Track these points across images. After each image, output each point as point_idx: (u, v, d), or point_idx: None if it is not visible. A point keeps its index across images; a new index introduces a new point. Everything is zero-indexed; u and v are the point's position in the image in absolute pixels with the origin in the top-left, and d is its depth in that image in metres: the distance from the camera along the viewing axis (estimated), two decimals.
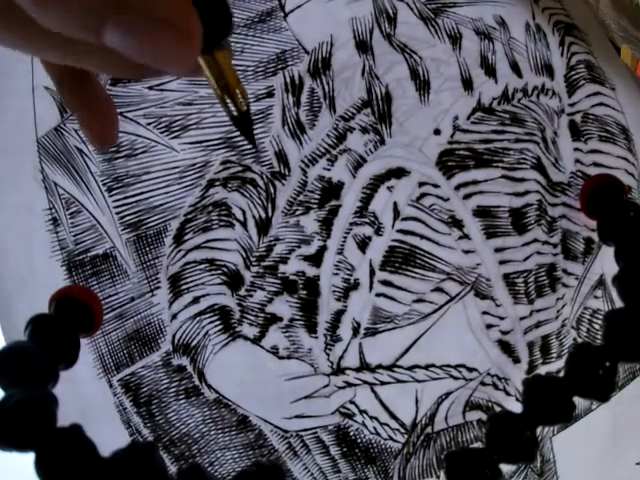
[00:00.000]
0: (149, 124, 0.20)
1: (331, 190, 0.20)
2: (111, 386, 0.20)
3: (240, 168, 0.20)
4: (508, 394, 0.22)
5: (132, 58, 0.09)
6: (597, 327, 0.23)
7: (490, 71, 0.22)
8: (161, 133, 0.20)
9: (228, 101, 0.11)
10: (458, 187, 0.21)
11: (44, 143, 0.20)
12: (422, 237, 0.20)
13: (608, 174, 0.24)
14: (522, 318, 0.21)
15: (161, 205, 0.20)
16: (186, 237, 0.20)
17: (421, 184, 0.20)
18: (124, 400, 0.20)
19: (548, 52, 0.23)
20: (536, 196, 0.22)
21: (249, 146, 0.20)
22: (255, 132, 0.20)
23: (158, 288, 0.20)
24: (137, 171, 0.20)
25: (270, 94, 0.20)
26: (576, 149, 0.23)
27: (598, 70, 0.23)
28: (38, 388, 0.15)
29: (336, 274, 0.20)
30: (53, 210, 0.20)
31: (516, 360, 0.22)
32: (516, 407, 0.22)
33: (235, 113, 0.11)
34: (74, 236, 0.20)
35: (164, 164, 0.20)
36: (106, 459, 0.14)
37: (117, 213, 0.20)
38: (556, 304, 0.22)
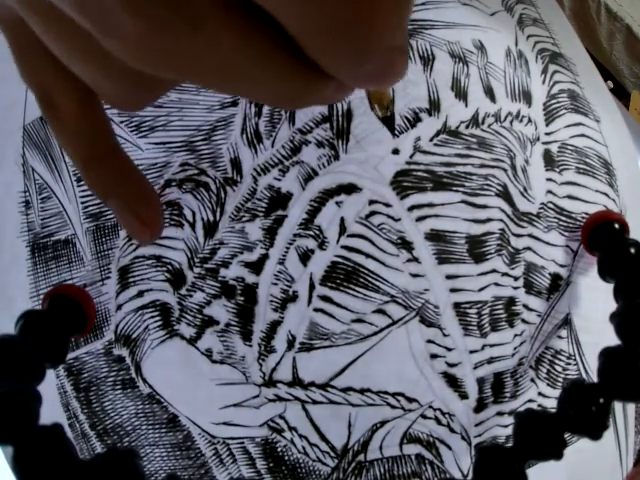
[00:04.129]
0: (122, 122, 0.21)
1: (279, 200, 0.20)
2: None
3: (196, 171, 0.20)
4: (453, 431, 0.20)
5: None
6: (559, 369, 0.21)
7: (461, 94, 0.21)
8: (131, 132, 0.21)
9: (377, 108, 0.15)
10: (412, 208, 0.20)
11: (29, 130, 0.22)
12: (367, 256, 0.20)
13: (610, 211, 0.22)
14: (472, 351, 0.20)
15: None
16: None
17: (372, 202, 0.20)
18: (65, 383, 0.21)
19: (528, 79, 0.22)
20: (498, 224, 0.21)
21: (209, 151, 0.21)
22: (218, 138, 0.21)
23: (108, 278, 0.21)
24: None
25: (235, 103, 0.21)
26: (549, 179, 0.21)
27: (582, 100, 0.22)
28: (23, 384, 0.16)
29: (275, 284, 0.20)
30: (27, 193, 0.22)
31: (463, 396, 0.20)
32: (461, 446, 0.21)
33: (381, 116, 0.16)
34: (42, 220, 0.21)
35: None
36: (84, 462, 0.14)
37: (82, 203, 0.21)
38: (513, 340, 0.21)
